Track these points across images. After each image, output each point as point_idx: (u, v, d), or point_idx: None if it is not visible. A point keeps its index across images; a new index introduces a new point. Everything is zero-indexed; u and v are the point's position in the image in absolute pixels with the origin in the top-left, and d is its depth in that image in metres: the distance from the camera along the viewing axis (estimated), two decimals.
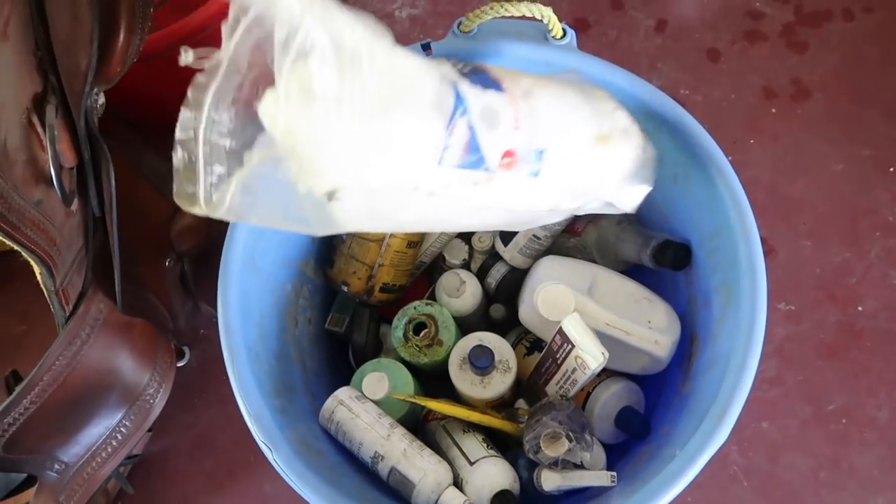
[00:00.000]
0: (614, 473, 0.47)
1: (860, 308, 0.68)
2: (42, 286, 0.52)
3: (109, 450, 0.66)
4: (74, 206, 0.52)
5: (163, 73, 0.67)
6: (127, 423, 0.66)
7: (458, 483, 0.50)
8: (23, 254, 0.48)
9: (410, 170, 0.36)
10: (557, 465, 0.47)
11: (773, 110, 0.77)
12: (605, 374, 0.56)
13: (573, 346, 0.48)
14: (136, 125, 0.72)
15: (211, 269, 0.75)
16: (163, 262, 0.68)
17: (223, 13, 0.64)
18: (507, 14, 0.51)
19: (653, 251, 0.54)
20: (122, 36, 0.46)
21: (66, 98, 0.46)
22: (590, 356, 0.47)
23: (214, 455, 0.70)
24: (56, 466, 0.63)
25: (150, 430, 0.68)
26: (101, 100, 0.50)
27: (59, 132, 0.45)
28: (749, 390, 0.42)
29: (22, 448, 0.62)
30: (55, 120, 0.44)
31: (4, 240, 0.45)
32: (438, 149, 0.35)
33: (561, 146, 0.40)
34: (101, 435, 0.67)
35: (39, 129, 0.45)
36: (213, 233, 0.73)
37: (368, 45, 0.34)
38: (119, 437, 0.66)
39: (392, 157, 0.35)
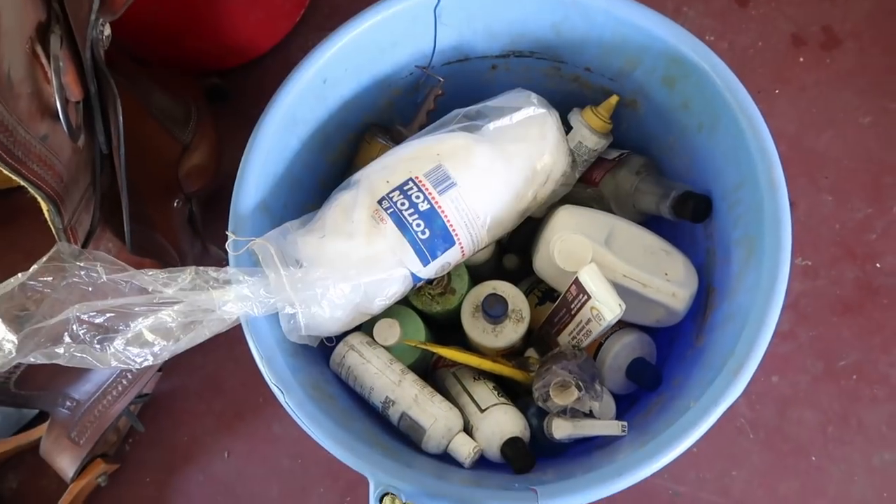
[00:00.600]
0: (625, 423, 0.47)
1: (878, 265, 0.66)
2: (50, 224, 0.51)
3: (120, 388, 0.66)
4: (81, 141, 0.50)
5: (171, 7, 0.65)
6: None
7: (468, 430, 0.50)
8: (29, 190, 0.47)
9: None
10: (566, 413, 0.47)
11: (802, 59, 0.74)
12: (619, 324, 0.55)
13: (589, 297, 0.47)
14: (143, 62, 0.70)
15: (219, 211, 0.74)
16: (171, 202, 0.67)
17: None
18: None
19: (672, 202, 0.52)
20: None
21: (70, 28, 0.44)
22: (606, 308, 0.47)
23: (223, 396, 0.71)
24: (67, 403, 0.64)
25: (160, 370, 0.69)
26: (107, 31, 0.48)
27: (64, 64, 0.44)
28: (767, 346, 0.42)
29: (33, 384, 0.63)
30: (60, 50, 0.43)
31: (10, 175, 0.44)
32: None
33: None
34: (111, 373, 0.67)
35: (44, 61, 0.44)
36: (222, 174, 0.72)
37: None
38: (129, 376, 0.67)
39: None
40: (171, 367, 0.70)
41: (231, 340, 0.70)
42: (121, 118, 0.49)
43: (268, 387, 0.69)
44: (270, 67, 0.80)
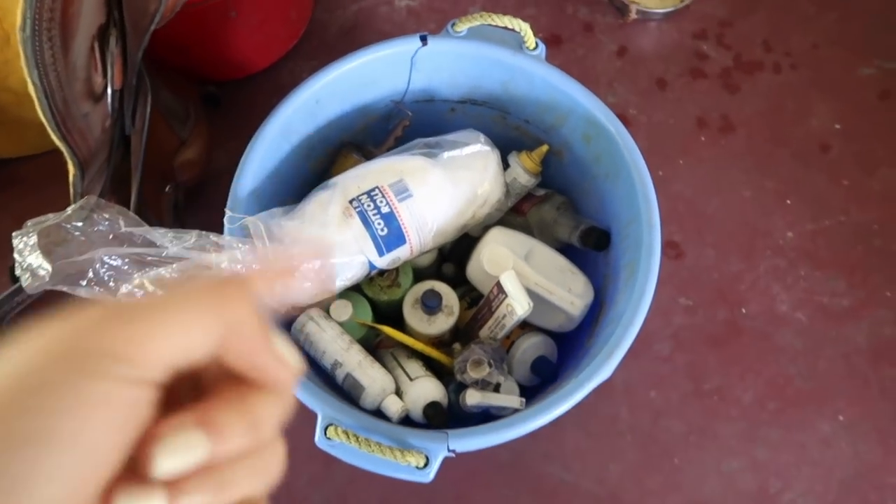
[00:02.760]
0: (524, 399, 0.60)
1: (744, 310, 0.82)
2: (70, 186, 0.61)
3: None
4: (108, 123, 0.61)
5: (188, 23, 0.76)
6: None
7: (398, 394, 0.61)
8: (66, 155, 0.57)
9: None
10: (478, 384, 0.59)
11: (703, 138, 0.90)
12: (528, 328, 0.68)
13: (506, 295, 0.60)
14: (157, 65, 0.80)
15: (200, 202, 0.85)
16: (164, 187, 0.77)
17: None
18: (493, 23, 0.63)
19: (580, 234, 0.66)
20: None
21: (124, 32, 0.55)
22: (518, 304, 0.59)
23: None
24: None
25: None
26: (147, 39, 0.59)
27: (114, 58, 0.55)
28: (633, 340, 0.55)
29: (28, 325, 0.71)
30: (115, 48, 0.54)
31: (58, 141, 0.54)
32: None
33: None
34: None
35: (97, 55, 0.55)
36: (209, 169, 0.83)
37: None
38: None
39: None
40: None
41: None
42: (149, 108, 0.60)
43: None
44: (260, 85, 0.92)
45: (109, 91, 0.54)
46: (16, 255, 0.52)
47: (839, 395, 0.78)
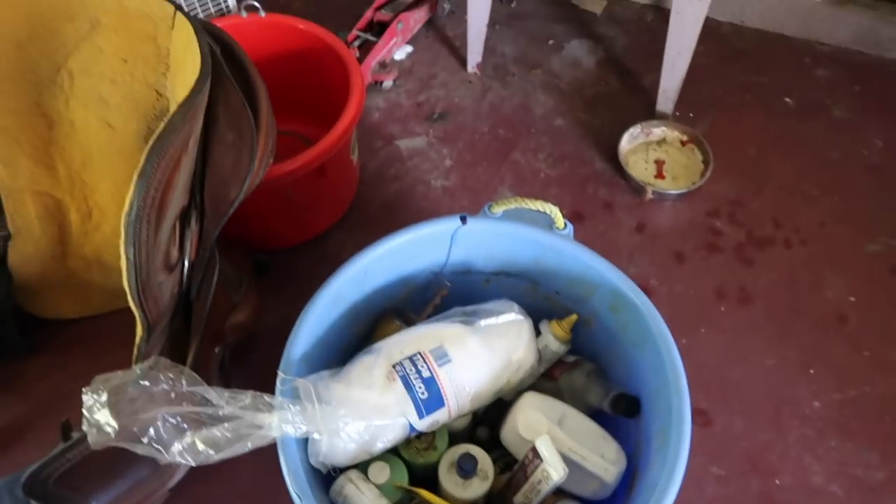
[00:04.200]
0: None
1: (777, 482, 0.81)
2: (136, 347, 0.67)
3: (134, 500, 0.76)
4: (176, 291, 0.67)
5: (248, 201, 0.85)
6: (153, 480, 0.77)
7: None
8: (138, 318, 0.62)
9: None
10: None
11: (722, 308, 0.95)
12: (562, 495, 0.68)
13: (542, 460, 0.62)
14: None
15: (243, 360, 0.89)
16: (214, 348, 0.82)
17: (306, 167, 0.84)
18: (526, 206, 0.70)
19: (611, 400, 0.69)
20: (252, 176, 0.64)
21: (202, 213, 0.63)
22: (554, 469, 0.61)
23: None
24: None
25: (170, 491, 0.79)
26: (224, 221, 0.67)
27: (191, 236, 0.62)
28: None
29: (68, 484, 0.73)
30: (194, 226, 0.61)
31: (135, 307, 0.60)
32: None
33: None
34: (129, 486, 0.77)
35: (177, 232, 0.62)
36: (255, 333, 0.88)
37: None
38: (144, 491, 0.77)
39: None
40: (177, 491, 0.80)
41: (232, 475, 0.82)
42: (215, 279, 0.66)
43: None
44: (307, 254, 0.99)
45: (186, 264, 0.60)
46: (84, 412, 0.55)
47: None
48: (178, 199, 0.58)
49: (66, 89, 0.73)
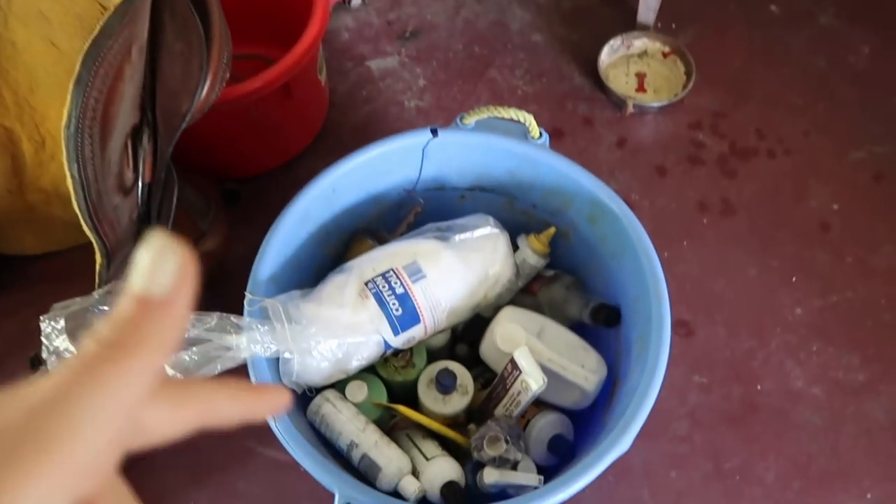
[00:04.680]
0: (541, 476, 0.59)
1: (759, 387, 0.81)
2: (97, 275, 0.64)
3: None
4: (135, 215, 0.65)
5: (211, 124, 0.81)
6: None
7: (415, 474, 0.61)
8: (95, 244, 0.60)
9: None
10: (496, 462, 0.58)
11: (705, 221, 0.93)
12: (544, 406, 0.68)
13: (520, 371, 0.61)
14: (180, 164, 0.85)
15: (218, 292, 0.87)
16: None
17: (270, 86, 0.80)
18: (499, 115, 0.67)
19: (591, 311, 0.68)
20: (205, 92, 0.60)
21: (155, 130, 0.60)
22: (532, 380, 0.60)
23: (196, 453, 0.79)
24: None
25: None
26: (177, 137, 0.64)
27: (145, 155, 0.59)
28: (649, 411, 0.55)
29: None
30: (147, 145, 0.58)
31: (88, 231, 0.57)
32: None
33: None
34: None
35: (130, 151, 0.59)
36: (227, 261, 0.86)
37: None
38: None
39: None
40: None
41: None
42: (174, 201, 0.63)
43: (237, 448, 0.79)
44: (278, 181, 0.96)
45: (140, 185, 0.57)
46: (43, 339, 0.53)
47: (864, 474, 0.76)
48: (126, 114, 0.55)
49: (4, 6, 0.68)
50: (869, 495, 0.75)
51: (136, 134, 0.58)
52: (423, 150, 0.69)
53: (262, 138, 0.89)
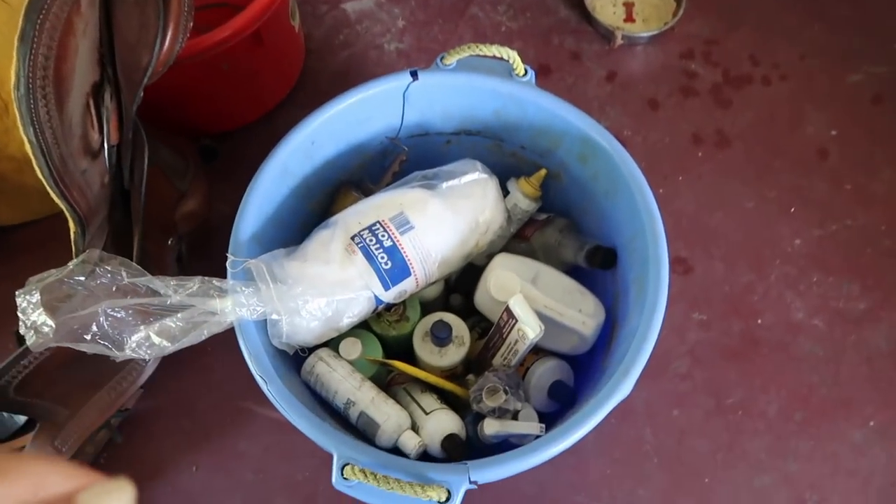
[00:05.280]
0: (543, 425, 0.58)
1: (759, 321, 0.80)
2: (73, 243, 0.62)
3: (104, 401, 0.73)
4: (106, 179, 0.62)
5: (181, 77, 0.78)
6: (122, 380, 0.74)
7: (414, 429, 0.60)
8: (66, 212, 0.57)
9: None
10: (496, 413, 0.57)
11: (700, 154, 0.90)
12: (542, 353, 0.67)
13: (516, 320, 0.59)
14: (154, 123, 0.82)
15: (203, 253, 0.85)
16: (166, 240, 0.77)
17: (239, 34, 0.76)
18: (481, 53, 0.64)
19: (586, 254, 0.66)
20: (167, 43, 0.57)
21: (118, 88, 0.56)
22: (529, 328, 0.58)
23: (194, 416, 0.78)
24: (59, 410, 0.71)
25: (142, 388, 0.77)
26: (141, 93, 0.60)
27: (109, 115, 0.56)
28: (649, 354, 0.54)
29: (31, 391, 0.70)
30: (110, 104, 0.55)
31: (57, 198, 0.55)
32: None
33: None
34: (95, 387, 0.74)
35: (93, 111, 0.55)
36: (211, 220, 0.83)
37: None
38: (113, 391, 0.74)
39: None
40: (150, 388, 0.78)
41: (205, 367, 0.80)
42: (146, 162, 0.60)
43: (235, 409, 0.78)
44: (256, 135, 0.92)
45: (106, 147, 0.54)
46: (19, 314, 0.51)
47: (867, 401, 0.76)
48: (83, 72, 0.51)
49: None
50: (871, 423, 0.75)
51: (97, 92, 0.55)
52: (404, 95, 0.66)
53: (237, 91, 0.86)
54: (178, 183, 0.79)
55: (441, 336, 0.63)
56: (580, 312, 0.63)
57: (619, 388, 0.52)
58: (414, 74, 0.64)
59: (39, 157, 0.48)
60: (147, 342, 0.53)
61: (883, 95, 0.93)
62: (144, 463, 0.76)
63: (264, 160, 0.61)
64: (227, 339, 0.58)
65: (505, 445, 0.60)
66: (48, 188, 0.52)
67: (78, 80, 0.51)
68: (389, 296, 0.60)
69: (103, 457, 0.77)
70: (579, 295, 0.65)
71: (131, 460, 0.76)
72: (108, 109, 0.54)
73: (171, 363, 0.78)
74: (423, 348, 0.64)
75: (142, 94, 0.58)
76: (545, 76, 0.96)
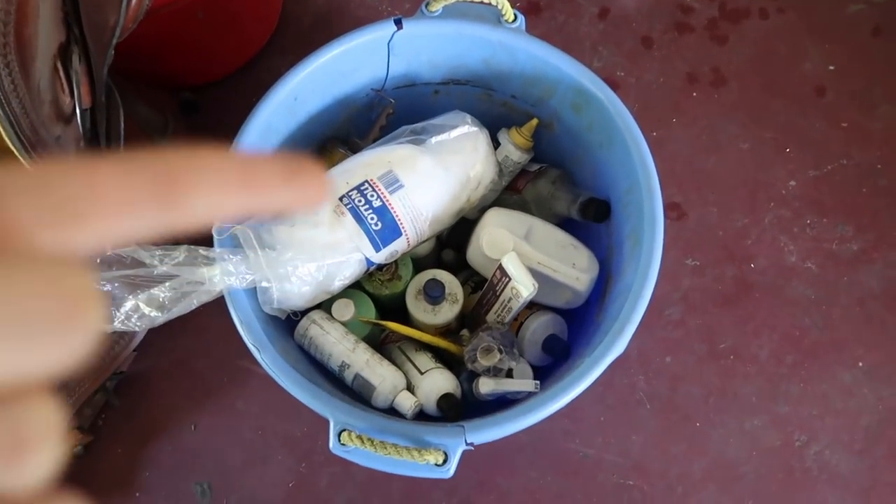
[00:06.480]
0: (538, 382, 0.58)
1: (752, 265, 0.80)
2: None
3: (97, 363, 0.73)
4: (82, 144, 0.59)
5: (155, 30, 0.74)
6: (115, 344, 0.74)
7: (410, 389, 0.60)
8: None
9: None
10: (490, 371, 0.57)
11: (695, 94, 0.88)
12: (536, 307, 0.66)
13: (510, 278, 0.58)
14: (127, 76, 0.78)
15: None
16: None
17: None
18: None
19: (579, 206, 0.65)
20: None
21: (86, 48, 0.53)
22: (522, 286, 0.58)
23: (192, 376, 0.79)
24: None
25: (135, 350, 0.77)
26: (112, 53, 0.57)
27: (79, 77, 0.53)
28: (644, 311, 0.53)
29: None
30: (79, 66, 0.52)
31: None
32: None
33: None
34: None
35: (62, 74, 0.53)
36: None
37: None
38: (106, 355, 0.74)
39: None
40: (145, 350, 0.78)
41: (200, 328, 0.79)
42: (122, 124, 0.58)
43: (232, 368, 0.78)
44: (238, 85, 0.89)
45: (79, 111, 0.52)
46: None
47: (857, 342, 0.77)
48: (47, 34, 0.49)
49: None
50: (861, 363, 0.76)
51: (64, 54, 0.52)
52: (388, 45, 0.63)
53: (215, 39, 0.82)
54: (158, 140, 0.76)
55: (434, 295, 0.62)
56: (574, 268, 0.62)
57: (614, 346, 0.52)
58: (398, 23, 0.61)
59: (8, 128, 0.46)
60: (136, 313, 0.52)
61: (883, 27, 0.90)
62: (143, 424, 0.77)
63: (246, 119, 0.59)
64: (219, 298, 0.57)
65: (500, 401, 0.61)
66: (21, 159, 0.50)
67: (42, 43, 0.48)
68: (380, 257, 0.59)
69: (101, 418, 0.77)
70: (573, 249, 0.64)
71: (130, 421, 0.77)
72: (78, 72, 0.51)
73: (164, 325, 0.78)
74: (417, 307, 0.64)
75: (112, 53, 0.55)
76: (535, 15, 0.93)
